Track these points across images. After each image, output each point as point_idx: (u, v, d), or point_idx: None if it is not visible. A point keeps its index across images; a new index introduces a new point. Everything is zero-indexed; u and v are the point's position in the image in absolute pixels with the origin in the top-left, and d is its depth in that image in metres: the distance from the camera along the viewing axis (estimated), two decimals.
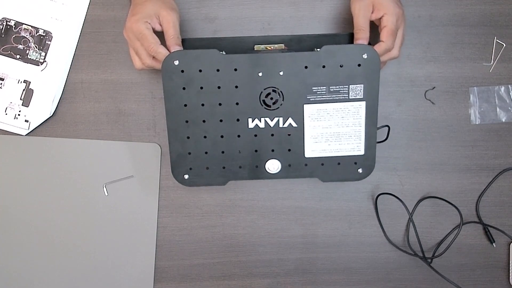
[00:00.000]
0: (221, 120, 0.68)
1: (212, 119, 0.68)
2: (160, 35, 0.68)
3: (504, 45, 0.78)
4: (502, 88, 0.79)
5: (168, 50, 0.67)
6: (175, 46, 0.67)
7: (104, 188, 0.78)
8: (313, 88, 0.67)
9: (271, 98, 0.68)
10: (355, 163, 0.70)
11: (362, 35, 0.67)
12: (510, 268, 0.80)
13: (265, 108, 0.68)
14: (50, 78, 0.77)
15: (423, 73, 0.79)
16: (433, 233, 0.80)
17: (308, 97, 0.68)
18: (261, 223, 0.80)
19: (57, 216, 0.78)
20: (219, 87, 0.67)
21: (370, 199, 0.80)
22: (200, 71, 0.66)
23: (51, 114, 0.78)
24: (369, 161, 0.70)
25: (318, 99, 0.68)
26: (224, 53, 0.67)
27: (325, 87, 0.67)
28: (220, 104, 0.68)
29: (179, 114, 0.68)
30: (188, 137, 0.69)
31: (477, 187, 0.80)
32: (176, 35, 0.67)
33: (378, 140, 0.70)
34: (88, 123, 0.78)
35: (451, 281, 0.77)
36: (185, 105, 0.68)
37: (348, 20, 0.77)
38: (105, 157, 0.78)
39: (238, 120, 0.68)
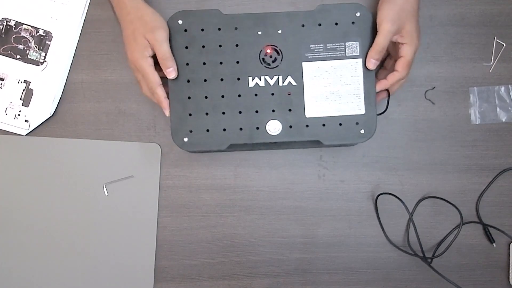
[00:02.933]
0: (222, 79, 0.69)
1: (213, 78, 0.69)
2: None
3: (504, 45, 0.78)
4: (502, 88, 0.79)
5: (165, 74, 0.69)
6: (167, 70, 0.68)
7: (104, 188, 0.78)
8: (310, 46, 0.69)
9: (271, 56, 0.69)
10: (357, 123, 0.70)
11: (376, 56, 0.69)
12: (510, 268, 0.80)
13: (265, 66, 0.69)
14: (50, 78, 0.77)
15: (423, 73, 0.79)
16: (433, 233, 0.80)
17: (306, 55, 0.69)
18: (261, 223, 0.80)
19: (57, 216, 0.78)
20: (220, 46, 0.69)
21: (370, 199, 0.80)
22: (202, 30, 0.68)
23: (51, 114, 0.78)
24: (370, 121, 0.70)
25: (316, 57, 0.69)
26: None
27: (322, 45, 0.69)
28: (221, 63, 0.69)
29: (181, 74, 0.69)
30: (189, 97, 0.69)
31: (477, 187, 0.80)
32: (166, 55, 0.68)
33: (378, 112, 0.71)
34: (88, 123, 0.78)
35: (451, 281, 0.77)
36: (187, 64, 0.69)
37: None
38: (105, 157, 0.78)
39: (238, 79, 0.69)
